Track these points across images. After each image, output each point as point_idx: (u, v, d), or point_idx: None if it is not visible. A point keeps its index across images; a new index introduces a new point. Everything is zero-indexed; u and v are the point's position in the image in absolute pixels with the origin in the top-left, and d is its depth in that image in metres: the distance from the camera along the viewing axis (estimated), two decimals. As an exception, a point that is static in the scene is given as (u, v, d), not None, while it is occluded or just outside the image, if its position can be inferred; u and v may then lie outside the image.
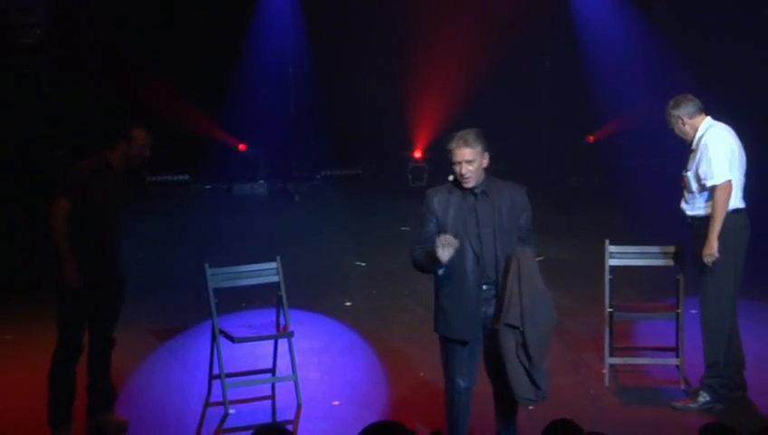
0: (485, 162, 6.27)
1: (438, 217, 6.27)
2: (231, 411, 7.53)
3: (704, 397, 7.45)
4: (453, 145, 6.24)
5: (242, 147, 15.25)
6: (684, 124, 7.45)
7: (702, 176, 7.32)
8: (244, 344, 7.71)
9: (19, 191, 12.83)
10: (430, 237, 6.21)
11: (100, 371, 7.30)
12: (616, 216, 12.46)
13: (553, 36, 15.47)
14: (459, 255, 6.16)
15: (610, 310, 7.89)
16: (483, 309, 6.26)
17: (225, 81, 14.68)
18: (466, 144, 6.20)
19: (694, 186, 7.41)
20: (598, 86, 14.62)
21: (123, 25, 14.31)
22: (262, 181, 15.13)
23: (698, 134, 7.42)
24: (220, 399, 7.56)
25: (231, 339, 7.57)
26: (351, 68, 15.36)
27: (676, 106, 7.48)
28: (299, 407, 7.62)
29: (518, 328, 6.12)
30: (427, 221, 6.30)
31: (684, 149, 7.55)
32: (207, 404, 7.71)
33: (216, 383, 7.66)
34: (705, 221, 7.36)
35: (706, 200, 7.36)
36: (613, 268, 7.94)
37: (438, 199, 6.29)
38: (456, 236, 6.12)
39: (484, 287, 6.24)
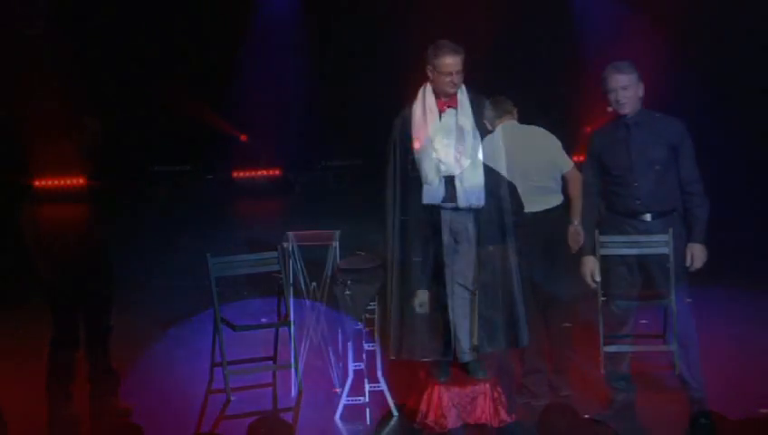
0: None
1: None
2: (232, 398, 7.55)
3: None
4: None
5: (243, 137, 15.31)
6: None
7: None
8: (246, 332, 7.76)
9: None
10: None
11: (98, 358, 7.40)
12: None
13: (550, 23, 15.50)
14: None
15: (603, 298, 7.96)
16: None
17: (227, 71, 14.73)
18: None
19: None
20: (594, 75, 14.60)
21: (124, 15, 14.35)
22: (263, 171, 15.18)
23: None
24: (222, 386, 7.60)
25: (232, 327, 7.61)
26: (352, 58, 15.40)
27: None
28: (299, 394, 7.68)
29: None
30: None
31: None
32: (209, 391, 7.72)
33: (218, 371, 7.68)
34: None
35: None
36: (604, 257, 7.98)
37: None
38: None
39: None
